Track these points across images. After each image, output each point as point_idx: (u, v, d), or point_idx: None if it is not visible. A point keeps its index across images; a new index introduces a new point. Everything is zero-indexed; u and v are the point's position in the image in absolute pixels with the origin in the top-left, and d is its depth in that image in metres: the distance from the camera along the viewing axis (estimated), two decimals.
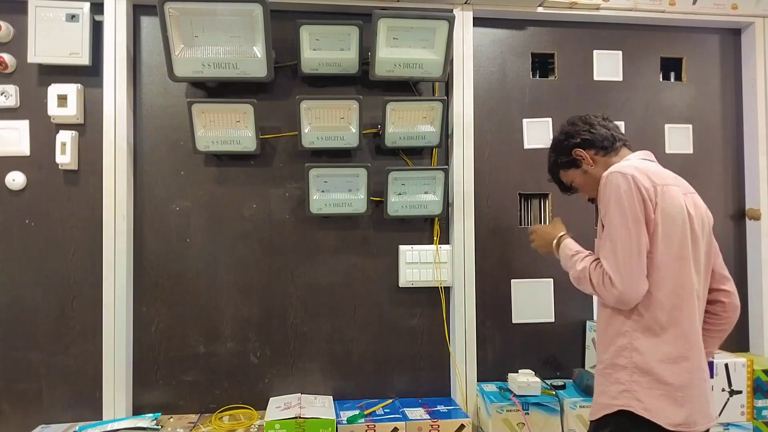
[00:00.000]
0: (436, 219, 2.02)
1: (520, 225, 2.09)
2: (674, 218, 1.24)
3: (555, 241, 1.52)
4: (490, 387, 1.96)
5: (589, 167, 1.46)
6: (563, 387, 1.93)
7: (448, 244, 2.03)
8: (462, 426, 1.77)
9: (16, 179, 1.87)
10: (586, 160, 1.46)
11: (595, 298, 2.03)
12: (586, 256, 1.36)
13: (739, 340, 2.16)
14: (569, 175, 1.53)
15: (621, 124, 2.13)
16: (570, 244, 1.46)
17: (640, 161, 1.37)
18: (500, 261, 2.07)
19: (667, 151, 2.17)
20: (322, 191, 1.92)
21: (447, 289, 2.03)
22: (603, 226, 1.30)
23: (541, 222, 2.11)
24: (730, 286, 1.41)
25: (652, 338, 1.24)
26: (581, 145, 1.46)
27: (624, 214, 1.22)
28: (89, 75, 1.89)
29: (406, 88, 2.01)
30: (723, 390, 1.88)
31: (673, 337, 1.23)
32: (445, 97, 1.95)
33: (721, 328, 1.39)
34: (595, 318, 2.05)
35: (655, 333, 1.24)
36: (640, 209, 1.22)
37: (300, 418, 1.68)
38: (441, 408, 1.87)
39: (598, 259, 1.30)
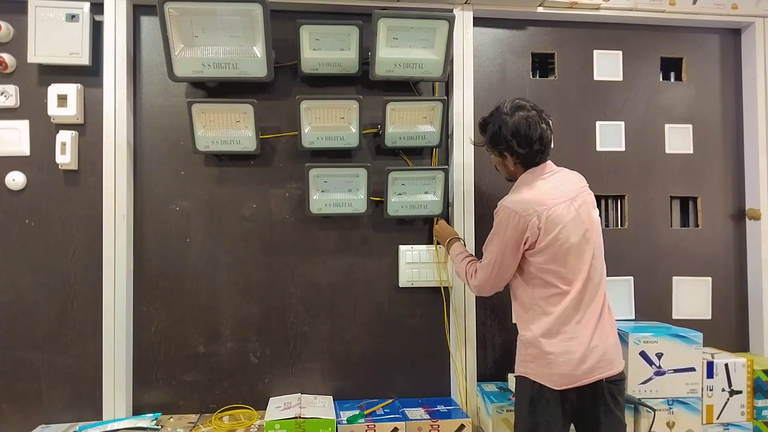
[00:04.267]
0: (436, 219, 2.02)
1: None
2: (556, 237, 1.50)
3: (449, 239, 1.87)
4: (490, 387, 1.97)
5: (510, 165, 1.63)
6: None
7: None
8: (462, 426, 1.77)
9: (16, 179, 1.87)
10: (508, 160, 1.62)
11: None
12: (466, 256, 1.75)
13: (739, 340, 2.17)
14: (492, 153, 1.68)
15: (621, 124, 2.14)
16: (457, 247, 1.82)
17: (536, 185, 1.57)
18: None
19: (667, 151, 2.17)
20: (322, 191, 1.92)
21: (447, 289, 2.03)
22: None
23: None
24: None
25: (538, 321, 1.57)
26: (509, 151, 1.60)
27: (500, 242, 1.56)
28: (89, 75, 1.89)
29: (406, 88, 2.01)
30: (723, 390, 1.88)
31: (552, 317, 1.54)
32: (445, 97, 1.95)
33: None
34: None
35: (537, 318, 1.57)
36: (518, 237, 1.52)
37: (300, 418, 1.68)
38: (441, 408, 1.87)
39: (474, 260, 1.71)
